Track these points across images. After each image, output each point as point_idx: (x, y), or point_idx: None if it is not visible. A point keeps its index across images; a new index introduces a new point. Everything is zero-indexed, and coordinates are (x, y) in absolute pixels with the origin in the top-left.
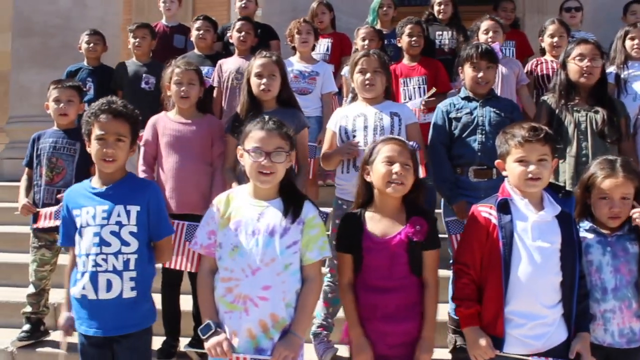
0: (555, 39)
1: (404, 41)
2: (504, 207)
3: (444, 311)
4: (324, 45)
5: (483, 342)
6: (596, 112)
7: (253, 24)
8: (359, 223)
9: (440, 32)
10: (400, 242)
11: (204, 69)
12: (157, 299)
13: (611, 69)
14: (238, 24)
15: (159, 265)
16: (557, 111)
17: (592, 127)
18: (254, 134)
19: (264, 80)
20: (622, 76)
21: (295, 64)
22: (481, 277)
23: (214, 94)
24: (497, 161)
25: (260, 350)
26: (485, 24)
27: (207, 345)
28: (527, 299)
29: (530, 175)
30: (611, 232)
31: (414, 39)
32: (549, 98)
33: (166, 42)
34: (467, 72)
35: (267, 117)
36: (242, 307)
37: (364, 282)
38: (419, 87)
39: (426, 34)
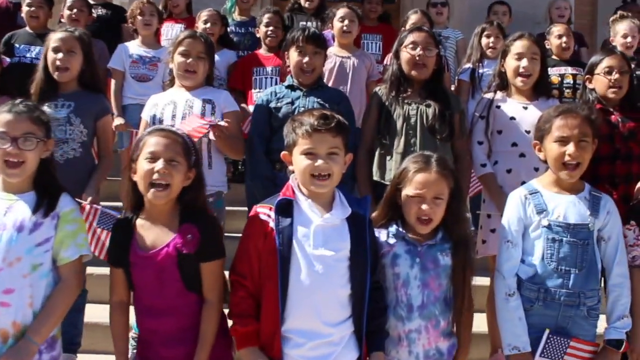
0: None
1: (261, 31)
2: (286, 208)
3: None
4: (177, 30)
5: None
6: (428, 105)
7: (87, 2)
8: (129, 231)
9: (305, 22)
10: (167, 255)
11: (35, 49)
12: None
13: (468, 66)
14: (69, 1)
15: None
16: (387, 103)
17: (422, 121)
18: (0, 118)
19: (61, 56)
20: (477, 74)
21: (135, 49)
22: (259, 290)
23: None
24: (282, 153)
25: None
26: (341, 11)
27: None
28: (307, 315)
29: (318, 172)
30: (422, 241)
31: (270, 28)
32: (381, 89)
33: (9, 18)
34: (292, 57)
35: (19, 100)
36: None
37: (139, 302)
38: (272, 78)
39: (287, 23)
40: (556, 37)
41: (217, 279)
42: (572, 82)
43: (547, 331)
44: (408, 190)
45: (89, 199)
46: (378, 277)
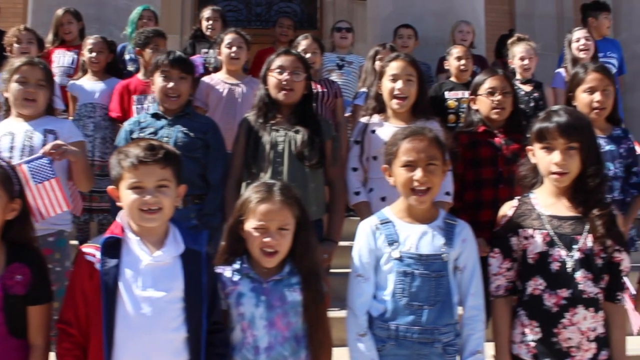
0: (309, 55)
1: (146, 55)
2: (113, 247)
3: None
4: (68, 57)
5: None
6: (297, 132)
7: None
8: None
9: (207, 50)
10: None
11: None
12: None
13: (363, 90)
14: None
15: None
16: (254, 130)
17: (290, 148)
18: None
19: None
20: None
21: None
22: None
23: None
24: (109, 188)
25: None
26: (229, 37)
27: None
28: None
29: (147, 206)
30: (267, 276)
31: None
32: (249, 116)
33: None
34: (156, 83)
35: None
36: None
37: None
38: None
39: (189, 51)
40: (455, 59)
41: (46, 323)
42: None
43: None
44: (251, 222)
45: None
46: (219, 318)
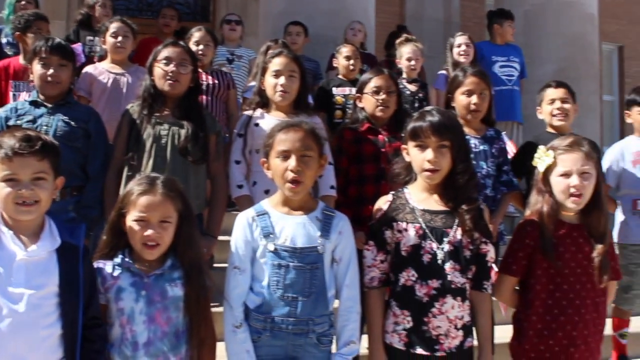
0: (201, 46)
1: (28, 39)
2: None
3: None
4: None
5: None
6: (181, 126)
7: None
8: None
9: (92, 38)
10: None
11: None
12: None
13: (253, 84)
14: None
15: None
16: (138, 122)
17: (173, 142)
18: None
19: None
20: None
21: None
22: None
23: None
24: None
25: None
26: (114, 25)
27: None
28: None
29: (22, 200)
30: (149, 271)
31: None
32: (133, 106)
33: None
34: (35, 70)
35: None
36: None
37: None
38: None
39: (72, 38)
40: (344, 58)
41: None
42: None
43: None
44: (132, 214)
45: None
46: (97, 313)
